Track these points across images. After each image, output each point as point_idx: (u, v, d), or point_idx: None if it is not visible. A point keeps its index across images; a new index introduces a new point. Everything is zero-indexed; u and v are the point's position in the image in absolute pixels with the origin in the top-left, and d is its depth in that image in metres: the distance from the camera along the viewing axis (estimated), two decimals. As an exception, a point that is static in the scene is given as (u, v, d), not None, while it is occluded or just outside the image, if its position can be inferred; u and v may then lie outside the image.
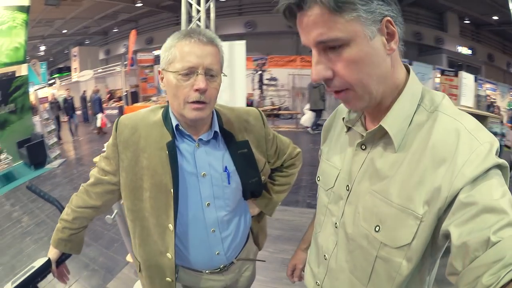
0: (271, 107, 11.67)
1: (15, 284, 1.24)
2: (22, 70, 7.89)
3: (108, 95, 14.42)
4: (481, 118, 2.85)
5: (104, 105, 12.37)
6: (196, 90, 0.94)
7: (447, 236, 0.58)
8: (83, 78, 13.71)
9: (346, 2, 0.57)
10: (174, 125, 1.04)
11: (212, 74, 0.97)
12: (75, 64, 16.35)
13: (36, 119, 7.84)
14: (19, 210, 5.26)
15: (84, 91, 13.15)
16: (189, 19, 5.85)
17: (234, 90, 6.27)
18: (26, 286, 1.26)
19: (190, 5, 5.77)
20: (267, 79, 12.73)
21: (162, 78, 1.02)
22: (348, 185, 0.80)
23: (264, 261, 1.45)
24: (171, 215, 1.05)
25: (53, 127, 7.42)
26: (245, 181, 1.16)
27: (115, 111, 12.70)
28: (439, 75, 9.53)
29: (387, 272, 0.71)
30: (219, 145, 1.11)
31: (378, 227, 0.70)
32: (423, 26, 14.00)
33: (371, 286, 0.76)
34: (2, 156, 6.81)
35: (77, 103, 12.19)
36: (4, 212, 5.37)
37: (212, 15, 5.95)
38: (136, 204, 1.09)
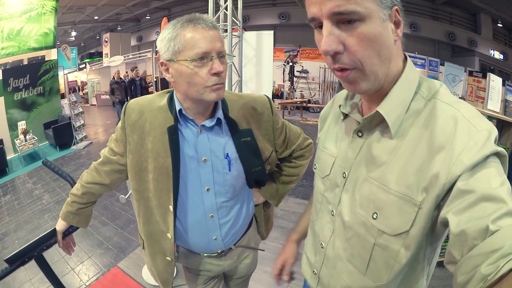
0: (301, 100, 11.61)
1: (19, 249, 1.31)
2: (52, 54, 8.21)
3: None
4: (507, 125, 2.73)
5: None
6: (215, 73, 0.95)
7: (446, 224, 0.58)
8: (114, 64, 14.00)
9: None
10: (177, 109, 1.06)
11: (223, 55, 0.99)
12: (106, 50, 16.72)
13: (65, 102, 8.10)
14: (41, 188, 5.44)
15: (114, 77, 13.45)
16: (217, 8, 5.85)
17: (261, 80, 6.27)
18: (30, 251, 1.35)
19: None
20: (298, 71, 12.65)
21: (167, 70, 1.02)
22: (344, 172, 0.80)
23: (263, 250, 1.45)
24: (171, 197, 1.08)
25: (80, 110, 7.64)
26: (248, 169, 1.16)
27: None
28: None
29: (385, 260, 0.71)
30: (222, 132, 1.11)
31: (375, 215, 0.70)
32: (456, 27, 13.50)
33: (369, 274, 0.76)
34: (28, 136, 7.10)
35: (106, 88, 12.44)
36: (26, 189, 5.58)
37: (240, 4, 5.91)
38: (141, 185, 1.13)
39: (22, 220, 4.40)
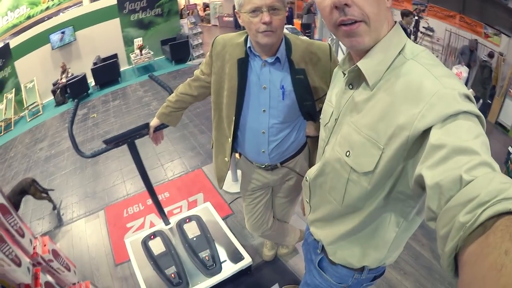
0: None
1: (115, 134, 1.74)
2: None
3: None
4: None
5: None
6: (263, 23, 1.16)
7: (422, 182, 0.60)
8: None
9: None
10: (248, 46, 1.32)
11: (275, 8, 1.16)
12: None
13: (184, 21, 8.64)
14: (151, 96, 6.12)
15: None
16: None
17: None
18: (124, 137, 1.78)
19: None
20: (423, 27, 11.13)
21: (239, 17, 1.25)
22: (336, 118, 0.90)
23: (303, 176, 1.61)
24: (235, 110, 1.41)
25: (199, 30, 8.16)
26: (300, 102, 1.37)
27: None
28: None
29: (358, 196, 0.82)
30: (282, 68, 1.33)
31: (348, 152, 0.80)
32: None
33: (345, 205, 0.88)
34: (144, 51, 7.90)
35: (229, 10, 12.75)
36: (136, 96, 6.30)
37: None
38: (218, 98, 1.47)
39: (128, 122, 5.03)
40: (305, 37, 1.42)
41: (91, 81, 7.36)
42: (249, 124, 1.44)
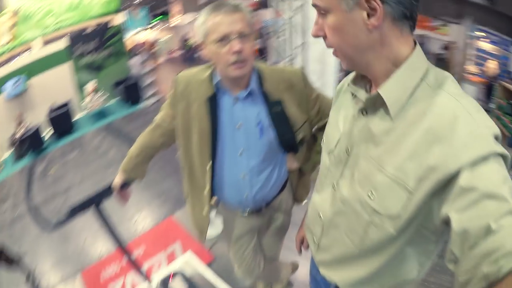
0: None
1: (79, 202, 1.62)
2: (117, 18, 8.58)
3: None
4: None
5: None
6: (234, 52, 1.08)
7: (447, 221, 0.58)
8: (183, 22, 14.21)
9: None
10: (216, 81, 1.22)
11: (245, 34, 1.10)
12: (175, 8, 16.97)
13: (134, 61, 8.55)
14: (107, 144, 5.92)
15: (183, 35, 13.69)
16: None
17: (325, 60, 5.85)
18: (89, 203, 1.66)
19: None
20: None
21: (204, 49, 1.17)
22: (348, 148, 0.82)
23: (289, 215, 1.59)
24: (209, 157, 1.28)
25: (149, 68, 8.08)
26: (279, 137, 1.28)
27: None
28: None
29: (379, 239, 0.75)
30: (256, 102, 1.25)
31: (371, 193, 0.73)
32: None
33: (363, 249, 0.80)
34: (97, 96, 7.73)
35: (177, 46, 12.83)
36: (92, 146, 6.10)
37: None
38: (186, 144, 1.33)
39: (88, 173, 4.83)
40: (268, 65, 1.36)
41: (47, 131, 7.06)
42: (226, 170, 1.33)
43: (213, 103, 1.23)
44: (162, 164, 4.39)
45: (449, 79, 0.68)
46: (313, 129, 1.40)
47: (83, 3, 8.03)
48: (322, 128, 1.36)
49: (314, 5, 0.69)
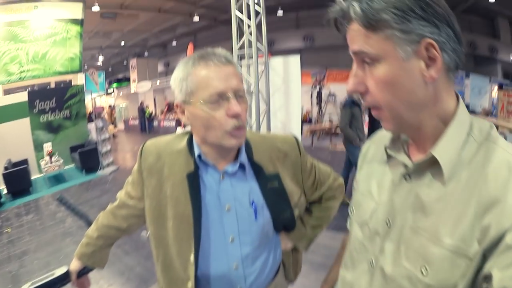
0: (328, 127, 11.04)
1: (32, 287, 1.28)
2: (78, 79, 8.57)
3: (166, 107, 14.96)
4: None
5: (162, 117, 12.54)
6: (233, 115, 0.88)
7: (489, 278, 0.54)
8: (142, 90, 14.26)
9: (378, 20, 0.56)
10: (196, 155, 0.99)
11: (241, 95, 0.91)
12: (133, 75, 17.14)
13: (92, 126, 8.28)
14: (64, 211, 5.46)
15: (142, 102, 13.66)
16: (240, 34, 5.84)
17: (289, 108, 6.10)
18: None
19: (242, 20, 5.76)
20: (326, 95, 12.49)
21: (182, 112, 0.96)
22: (388, 220, 0.72)
23: None
24: (192, 246, 1.00)
25: (107, 135, 7.76)
26: (276, 216, 1.07)
27: (173, 123, 13.00)
28: (496, 89, 8.62)
29: None
30: (246, 177, 1.04)
31: (424, 268, 0.63)
32: (476, 35, 13.23)
33: None
34: (54, 158, 7.38)
35: (134, 113, 12.73)
36: (49, 211, 5.71)
37: (264, 29, 5.88)
38: (159, 232, 1.05)
39: (44, 242, 4.49)
40: (256, 132, 1.16)
41: (3, 187, 6.51)
42: (214, 260, 1.05)
43: (194, 181, 0.99)
44: (122, 241, 4.09)
45: (493, 129, 0.63)
46: (307, 202, 1.23)
47: (48, 57, 7.92)
48: (318, 200, 1.25)
49: (356, 53, 0.60)
